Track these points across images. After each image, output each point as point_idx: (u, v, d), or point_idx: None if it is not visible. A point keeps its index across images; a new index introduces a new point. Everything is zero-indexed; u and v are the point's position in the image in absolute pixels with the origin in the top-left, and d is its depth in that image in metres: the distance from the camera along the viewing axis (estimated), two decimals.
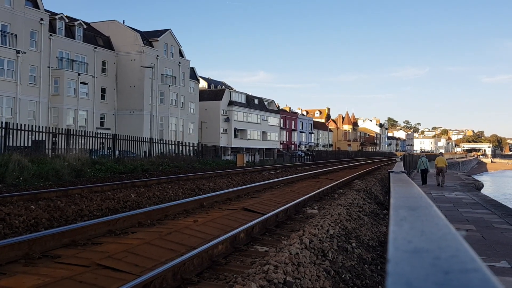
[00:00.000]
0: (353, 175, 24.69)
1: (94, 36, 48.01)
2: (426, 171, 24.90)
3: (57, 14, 43.23)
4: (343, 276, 6.07)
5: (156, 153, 30.33)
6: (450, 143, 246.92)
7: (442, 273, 0.78)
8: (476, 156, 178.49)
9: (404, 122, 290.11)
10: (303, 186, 17.50)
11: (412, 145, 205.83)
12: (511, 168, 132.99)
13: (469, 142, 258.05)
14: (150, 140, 30.56)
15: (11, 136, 18.95)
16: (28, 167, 15.33)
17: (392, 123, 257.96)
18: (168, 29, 53.79)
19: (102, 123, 47.27)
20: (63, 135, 22.02)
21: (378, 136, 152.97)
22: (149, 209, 9.10)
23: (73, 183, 15.10)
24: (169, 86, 51.80)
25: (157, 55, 50.78)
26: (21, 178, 14.42)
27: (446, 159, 28.10)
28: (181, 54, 56.66)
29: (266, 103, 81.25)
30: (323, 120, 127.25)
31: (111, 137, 25.86)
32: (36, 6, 39.26)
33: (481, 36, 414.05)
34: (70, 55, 43.80)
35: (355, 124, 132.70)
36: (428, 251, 0.93)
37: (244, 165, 34.06)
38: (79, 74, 43.34)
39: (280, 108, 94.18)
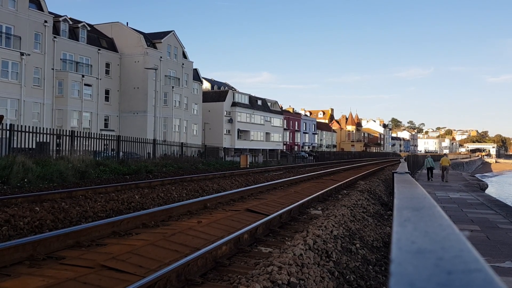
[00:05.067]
0: (356, 175, 24.65)
1: (98, 38, 48.16)
2: (432, 168, 29.01)
3: (61, 16, 43.40)
4: (347, 277, 6.06)
5: (159, 155, 30.38)
6: (454, 143, 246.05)
7: (445, 273, 0.78)
8: (480, 156, 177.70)
9: (408, 122, 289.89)
10: (306, 187, 17.49)
11: (416, 146, 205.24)
12: None
13: (473, 142, 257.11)
14: (154, 142, 30.62)
15: (15, 138, 19.03)
16: (33, 168, 15.38)
17: (396, 124, 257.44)
18: (171, 31, 53.90)
19: (106, 125, 47.39)
20: (67, 137, 22.09)
21: (382, 136, 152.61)
22: (153, 210, 9.11)
23: (77, 185, 15.14)
24: (173, 87, 51.90)
25: (161, 57, 50.88)
26: (25, 180, 14.47)
27: (451, 159, 34.16)
28: (185, 56, 56.74)
29: (269, 104, 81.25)
30: (327, 121, 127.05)
31: (115, 138, 25.92)
32: (40, 8, 39.42)
33: (485, 36, 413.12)
34: (74, 57, 43.93)
35: (358, 124, 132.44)
36: (431, 252, 0.93)
37: (248, 166, 34.07)
38: (83, 76, 43.48)
39: (283, 109, 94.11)
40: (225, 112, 66.86)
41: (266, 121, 77.13)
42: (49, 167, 16.46)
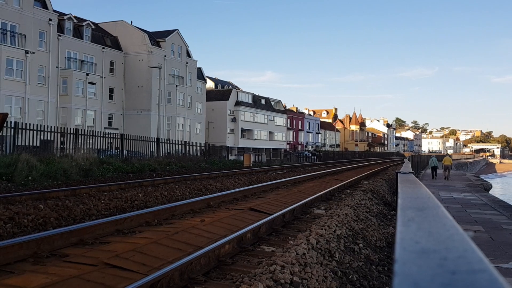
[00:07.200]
0: (360, 175, 24.61)
1: (102, 36, 48.26)
2: (436, 168, 31.63)
3: (65, 14, 43.51)
4: (350, 276, 6.06)
5: (163, 153, 30.42)
6: (458, 143, 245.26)
7: (449, 273, 0.77)
8: (484, 156, 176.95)
9: (412, 122, 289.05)
10: (310, 187, 17.47)
11: (420, 146, 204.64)
12: None
13: (478, 142, 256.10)
14: (158, 140, 30.66)
15: (20, 135, 19.10)
16: (37, 166, 15.43)
17: (400, 123, 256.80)
18: (175, 30, 53.95)
19: (110, 123, 47.50)
20: (71, 135, 22.15)
21: (386, 136, 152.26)
22: (156, 208, 9.13)
23: (81, 183, 15.19)
24: (177, 86, 51.95)
25: (165, 55, 50.94)
26: (29, 178, 14.53)
27: (454, 159, 37.84)
28: (189, 54, 56.79)
29: (273, 103, 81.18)
30: (330, 120, 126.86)
31: (119, 137, 25.97)
32: (44, 6, 39.52)
33: (490, 36, 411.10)
34: (79, 55, 44.06)
35: (362, 124, 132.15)
36: (435, 252, 0.93)
37: (251, 165, 34.06)
38: (87, 74, 43.59)
39: (287, 108, 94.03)
40: (229, 111, 66.86)
41: (269, 120, 77.09)
42: (53, 165, 16.51)
